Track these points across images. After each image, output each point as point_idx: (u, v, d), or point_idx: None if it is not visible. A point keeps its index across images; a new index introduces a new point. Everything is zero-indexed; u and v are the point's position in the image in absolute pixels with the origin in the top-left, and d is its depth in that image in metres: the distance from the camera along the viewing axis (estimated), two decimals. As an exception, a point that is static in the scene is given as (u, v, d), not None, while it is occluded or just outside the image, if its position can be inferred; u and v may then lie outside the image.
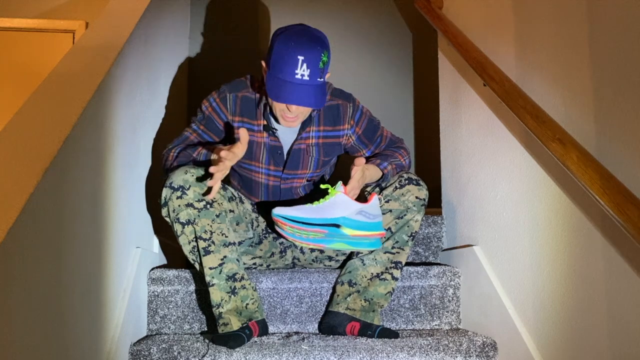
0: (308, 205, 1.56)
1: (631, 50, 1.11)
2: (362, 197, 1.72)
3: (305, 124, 1.73)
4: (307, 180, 1.83)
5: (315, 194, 1.83)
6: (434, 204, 2.13)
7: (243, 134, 1.51)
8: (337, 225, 1.55)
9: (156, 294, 1.72)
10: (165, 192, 1.57)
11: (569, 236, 1.32)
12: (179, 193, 1.55)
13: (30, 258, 0.93)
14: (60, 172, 1.06)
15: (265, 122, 1.71)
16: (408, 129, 3.20)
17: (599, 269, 1.21)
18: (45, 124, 1.13)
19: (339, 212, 1.55)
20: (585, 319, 1.26)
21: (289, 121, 1.63)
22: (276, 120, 1.71)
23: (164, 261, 1.95)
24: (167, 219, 1.61)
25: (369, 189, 1.77)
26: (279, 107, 1.61)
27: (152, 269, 1.78)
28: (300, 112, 1.62)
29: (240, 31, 3.17)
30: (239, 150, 1.51)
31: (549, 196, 1.40)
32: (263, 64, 1.65)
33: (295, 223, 1.54)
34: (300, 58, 1.52)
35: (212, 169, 1.47)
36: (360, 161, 1.59)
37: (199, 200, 1.56)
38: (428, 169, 2.52)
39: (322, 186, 1.61)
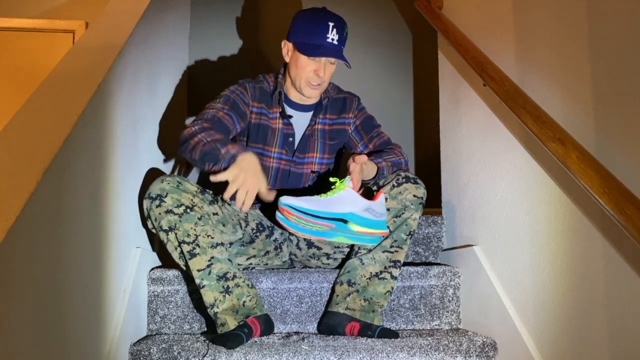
0: (316, 197, 1.55)
1: (631, 50, 1.11)
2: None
3: (317, 111, 1.87)
4: (318, 166, 1.89)
5: (320, 187, 1.85)
6: (434, 204, 2.13)
7: (271, 196, 1.65)
8: (345, 221, 1.54)
9: (156, 294, 1.72)
10: (146, 204, 1.59)
11: (569, 236, 1.32)
12: (157, 202, 1.56)
13: (30, 258, 0.93)
14: (60, 172, 1.06)
15: (280, 110, 1.84)
16: (408, 129, 3.19)
17: (599, 269, 1.21)
18: (45, 124, 1.13)
19: (347, 208, 1.54)
20: (585, 319, 1.26)
21: (315, 89, 1.79)
22: (291, 106, 1.85)
23: (164, 261, 1.94)
24: (154, 230, 1.61)
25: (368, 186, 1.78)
26: (305, 76, 1.77)
27: (152, 269, 1.78)
28: (325, 79, 1.79)
29: (241, 31, 3.17)
30: (263, 190, 1.59)
31: (549, 196, 1.40)
32: (285, 43, 1.82)
33: (302, 214, 1.52)
34: (331, 24, 1.73)
35: (238, 203, 1.55)
36: (361, 159, 1.64)
37: (178, 206, 1.56)
38: (428, 169, 2.52)
39: (332, 179, 1.61)
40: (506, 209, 1.61)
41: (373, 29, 3.25)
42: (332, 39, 1.72)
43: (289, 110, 1.87)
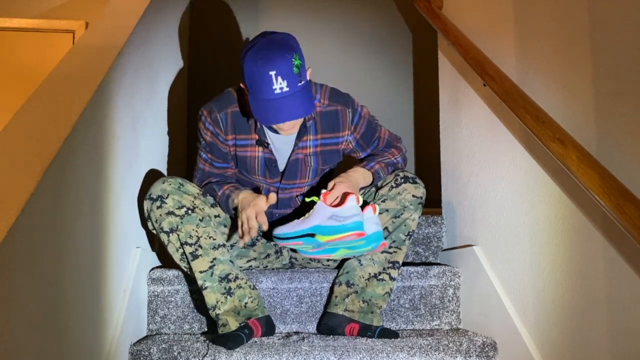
0: (296, 220, 1.59)
1: (632, 50, 1.11)
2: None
3: (301, 134, 1.68)
4: (307, 188, 1.79)
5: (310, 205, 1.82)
6: (434, 204, 2.13)
7: (272, 198, 1.56)
8: (312, 235, 1.54)
9: (156, 294, 1.72)
10: (146, 205, 1.58)
11: (569, 236, 1.32)
12: (158, 203, 1.56)
13: (30, 258, 0.93)
14: (60, 172, 1.06)
15: (258, 138, 1.68)
16: (408, 129, 3.19)
17: (599, 269, 1.21)
18: (45, 124, 1.13)
19: (315, 221, 1.55)
20: (585, 319, 1.26)
21: (289, 130, 1.61)
22: (272, 130, 1.68)
23: (164, 261, 1.94)
24: (154, 231, 1.61)
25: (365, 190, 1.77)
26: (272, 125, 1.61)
27: (152, 269, 1.78)
28: (294, 122, 1.59)
29: (240, 31, 3.17)
30: (263, 206, 1.57)
31: (549, 196, 1.40)
32: (242, 85, 1.58)
33: (281, 241, 1.58)
34: (272, 73, 1.46)
35: (241, 235, 1.56)
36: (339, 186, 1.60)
37: (179, 207, 1.56)
38: (428, 169, 2.52)
39: (307, 199, 1.60)
40: (506, 209, 1.61)
41: (373, 29, 3.25)
42: (281, 88, 1.47)
43: (270, 134, 1.69)
